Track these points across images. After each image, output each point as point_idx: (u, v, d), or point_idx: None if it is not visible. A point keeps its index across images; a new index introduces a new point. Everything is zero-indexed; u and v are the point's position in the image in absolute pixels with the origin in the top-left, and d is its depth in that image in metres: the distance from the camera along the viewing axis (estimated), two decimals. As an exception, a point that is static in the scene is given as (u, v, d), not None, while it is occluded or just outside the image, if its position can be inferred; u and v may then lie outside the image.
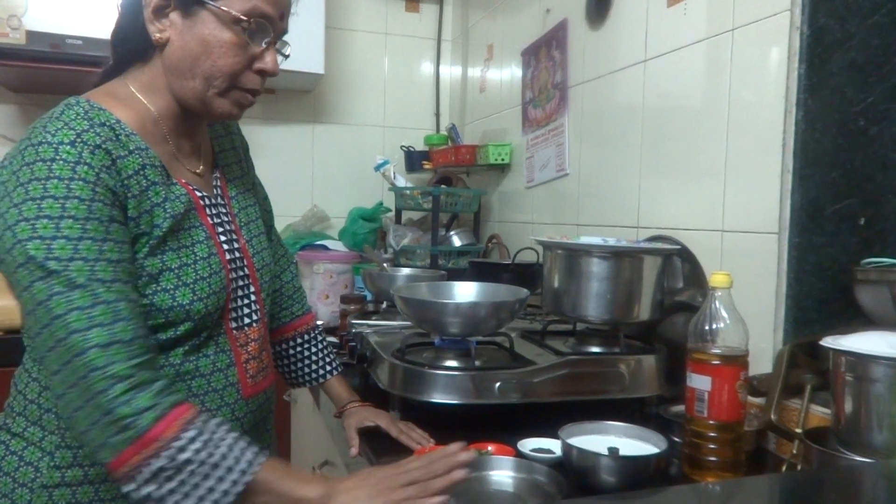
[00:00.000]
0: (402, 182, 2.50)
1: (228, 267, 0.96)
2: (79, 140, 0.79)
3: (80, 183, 0.78)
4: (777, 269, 1.19)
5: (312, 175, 2.73)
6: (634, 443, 1.02)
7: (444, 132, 2.78)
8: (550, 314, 1.41)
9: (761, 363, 1.18)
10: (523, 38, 2.22)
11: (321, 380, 1.25)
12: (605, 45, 1.76)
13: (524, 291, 1.29)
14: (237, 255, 0.99)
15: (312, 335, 1.27)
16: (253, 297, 1.02)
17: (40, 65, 1.99)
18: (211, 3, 0.87)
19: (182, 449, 0.74)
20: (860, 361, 0.86)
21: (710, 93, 1.38)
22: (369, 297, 1.93)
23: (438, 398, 1.13)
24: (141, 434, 0.73)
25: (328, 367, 1.26)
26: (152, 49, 0.91)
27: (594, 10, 1.80)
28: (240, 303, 0.99)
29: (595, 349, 1.30)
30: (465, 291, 1.36)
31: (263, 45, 0.91)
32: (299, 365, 1.25)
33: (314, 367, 1.25)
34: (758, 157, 1.24)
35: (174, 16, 0.88)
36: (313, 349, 1.26)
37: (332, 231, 2.68)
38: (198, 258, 0.91)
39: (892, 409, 0.84)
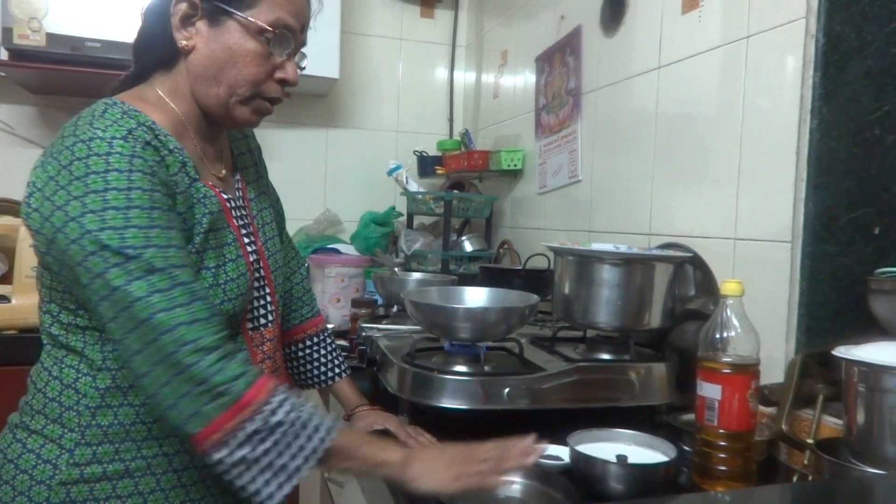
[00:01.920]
0: (414, 187, 2.51)
1: (252, 268, 0.99)
2: (130, 136, 0.82)
3: (139, 174, 0.81)
4: (790, 277, 1.18)
5: (326, 179, 2.75)
6: (643, 451, 1.01)
7: (457, 137, 2.79)
8: (561, 320, 1.41)
9: (773, 372, 1.17)
10: (537, 44, 2.22)
11: (330, 382, 1.26)
12: (620, 51, 1.76)
13: (534, 297, 1.29)
14: (255, 256, 1.02)
15: (322, 337, 1.27)
16: (269, 299, 1.04)
17: (60, 67, 2.02)
18: (238, 13, 0.90)
19: (274, 412, 0.79)
20: (873, 371, 0.85)
21: (724, 100, 1.37)
22: (380, 301, 1.93)
23: (447, 403, 1.13)
24: (237, 399, 0.78)
25: (337, 370, 1.27)
26: (177, 56, 0.93)
27: (608, 17, 1.80)
28: (256, 304, 1.01)
29: (605, 356, 1.29)
30: (476, 297, 1.36)
31: (285, 56, 0.94)
32: (308, 367, 1.26)
33: (323, 369, 1.26)
34: (772, 165, 1.24)
35: (201, 24, 0.91)
36: (322, 351, 1.26)
37: (345, 235, 2.69)
38: (227, 260, 0.93)
39: (906, 421, 0.83)
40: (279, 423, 0.79)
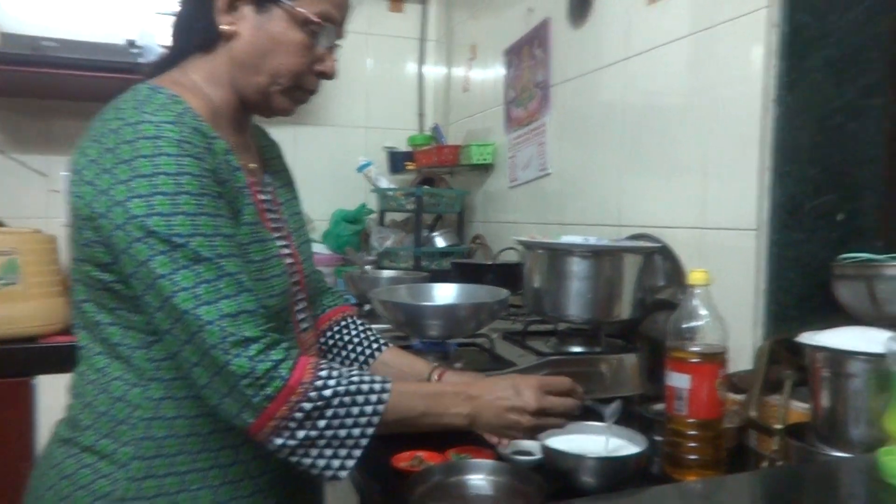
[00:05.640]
0: (384, 183, 2.49)
1: (289, 271, 0.95)
2: (179, 121, 0.80)
3: (189, 159, 0.78)
4: (756, 265, 1.19)
5: (295, 177, 2.70)
6: (615, 443, 1.01)
7: (427, 132, 2.77)
8: (532, 314, 1.41)
9: (742, 359, 1.18)
10: (506, 37, 2.21)
11: (371, 359, 1.11)
12: (587, 43, 1.76)
13: (504, 292, 1.28)
14: (290, 260, 0.97)
15: (350, 320, 1.16)
16: (304, 304, 1.01)
17: (16, 67, 1.96)
18: (286, 2, 0.88)
19: (324, 386, 0.79)
20: (837, 357, 0.86)
21: (690, 90, 1.38)
22: (352, 299, 1.91)
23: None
24: (285, 382, 0.77)
25: (375, 345, 1.13)
26: (217, 40, 0.90)
27: (576, 9, 1.79)
28: (296, 307, 0.98)
29: (576, 349, 1.29)
30: (445, 293, 1.35)
31: (326, 49, 0.92)
32: (343, 352, 1.13)
33: (360, 348, 1.13)
34: (738, 154, 1.24)
35: (246, 10, 0.88)
36: (354, 331, 1.14)
37: (316, 234, 2.65)
38: (271, 255, 0.91)
39: (870, 404, 0.83)
40: (333, 395, 0.79)
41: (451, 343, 1.22)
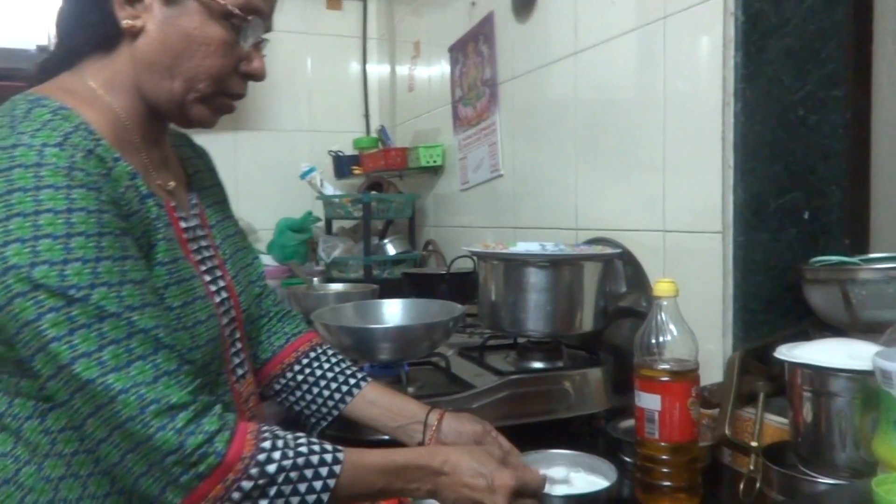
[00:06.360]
0: (330, 190, 2.38)
1: (220, 310, 0.82)
2: (67, 143, 0.66)
3: (82, 191, 0.65)
4: (723, 269, 1.13)
5: (236, 186, 2.56)
6: (583, 473, 0.93)
7: (373, 134, 2.67)
8: (488, 328, 1.32)
9: (711, 369, 1.11)
10: (450, 33, 2.12)
11: (349, 398, 0.97)
12: (534, 37, 1.68)
13: (459, 308, 1.19)
14: (224, 295, 0.85)
15: (321, 350, 1.02)
16: (240, 346, 0.88)
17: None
18: None
19: (268, 460, 0.67)
20: (819, 375, 0.79)
21: (644, 85, 1.31)
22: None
23: (370, 434, 1.01)
24: (221, 459, 0.65)
25: (353, 380, 0.98)
26: (118, 38, 0.76)
27: (520, 2, 1.71)
28: (230, 351, 0.85)
29: (537, 364, 1.21)
30: (395, 311, 1.25)
31: (251, 46, 0.79)
32: (315, 390, 0.99)
33: (335, 385, 0.98)
34: (697, 151, 1.18)
35: (152, 1, 0.74)
36: (326, 365, 1.00)
37: (261, 244, 2.53)
38: (195, 296, 0.78)
39: (856, 425, 0.77)
40: (278, 471, 0.67)
41: (402, 365, 1.12)
